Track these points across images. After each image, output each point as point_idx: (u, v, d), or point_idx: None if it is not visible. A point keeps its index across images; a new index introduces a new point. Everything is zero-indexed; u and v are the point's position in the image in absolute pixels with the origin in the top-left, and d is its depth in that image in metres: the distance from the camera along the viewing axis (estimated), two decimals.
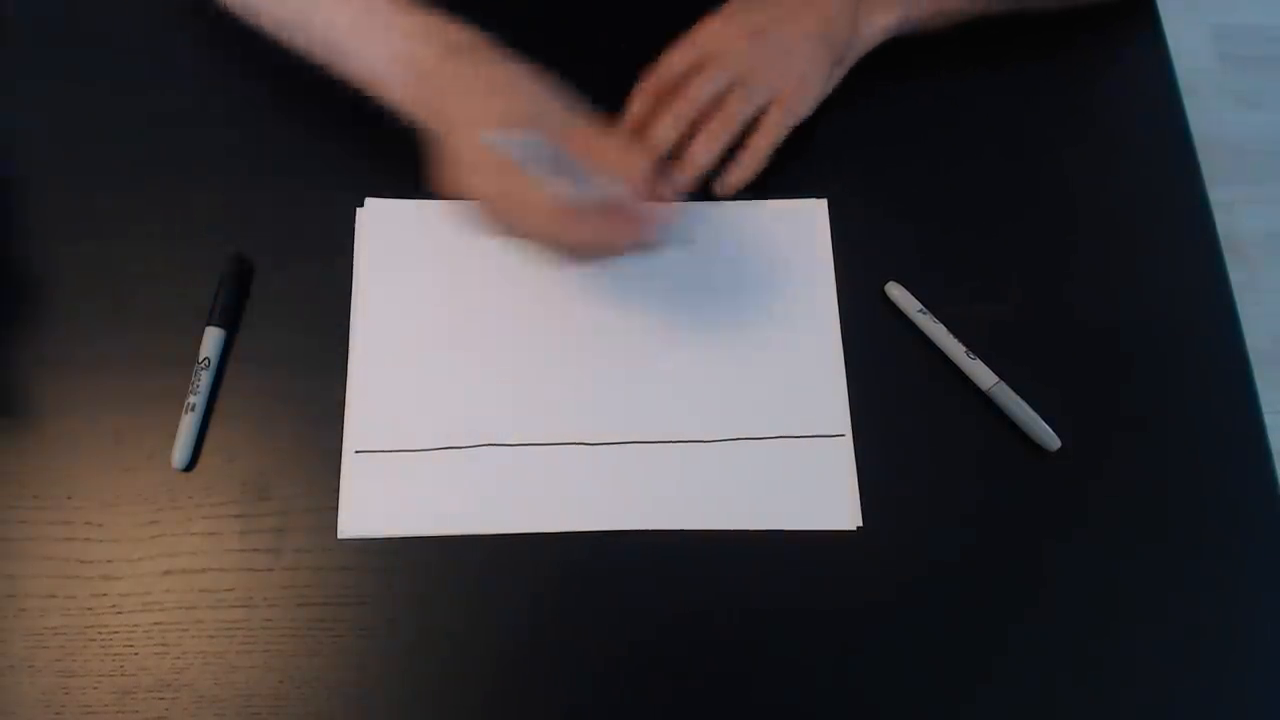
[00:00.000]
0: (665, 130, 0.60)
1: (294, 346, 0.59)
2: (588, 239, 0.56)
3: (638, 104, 0.61)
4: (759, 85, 0.60)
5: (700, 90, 0.60)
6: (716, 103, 0.60)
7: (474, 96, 0.55)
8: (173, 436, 0.56)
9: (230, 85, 0.65)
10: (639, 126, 0.61)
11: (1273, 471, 0.58)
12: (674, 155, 0.60)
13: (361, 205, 0.62)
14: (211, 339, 0.58)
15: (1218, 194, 0.65)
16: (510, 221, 0.56)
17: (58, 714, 0.51)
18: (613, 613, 0.54)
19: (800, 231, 0.63)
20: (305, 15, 0.59)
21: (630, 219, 0.56)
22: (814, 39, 0.61)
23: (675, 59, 0.61)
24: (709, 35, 0.61)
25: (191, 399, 0.56)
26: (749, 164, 0.61)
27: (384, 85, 0.58)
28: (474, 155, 0.54)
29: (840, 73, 0.63)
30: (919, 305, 0.60)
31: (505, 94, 0.55)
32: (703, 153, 0.60)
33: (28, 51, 0.66)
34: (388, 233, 0.62)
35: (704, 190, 0.62)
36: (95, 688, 0.52)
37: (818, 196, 0.64)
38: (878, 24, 0.62)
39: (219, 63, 0.65)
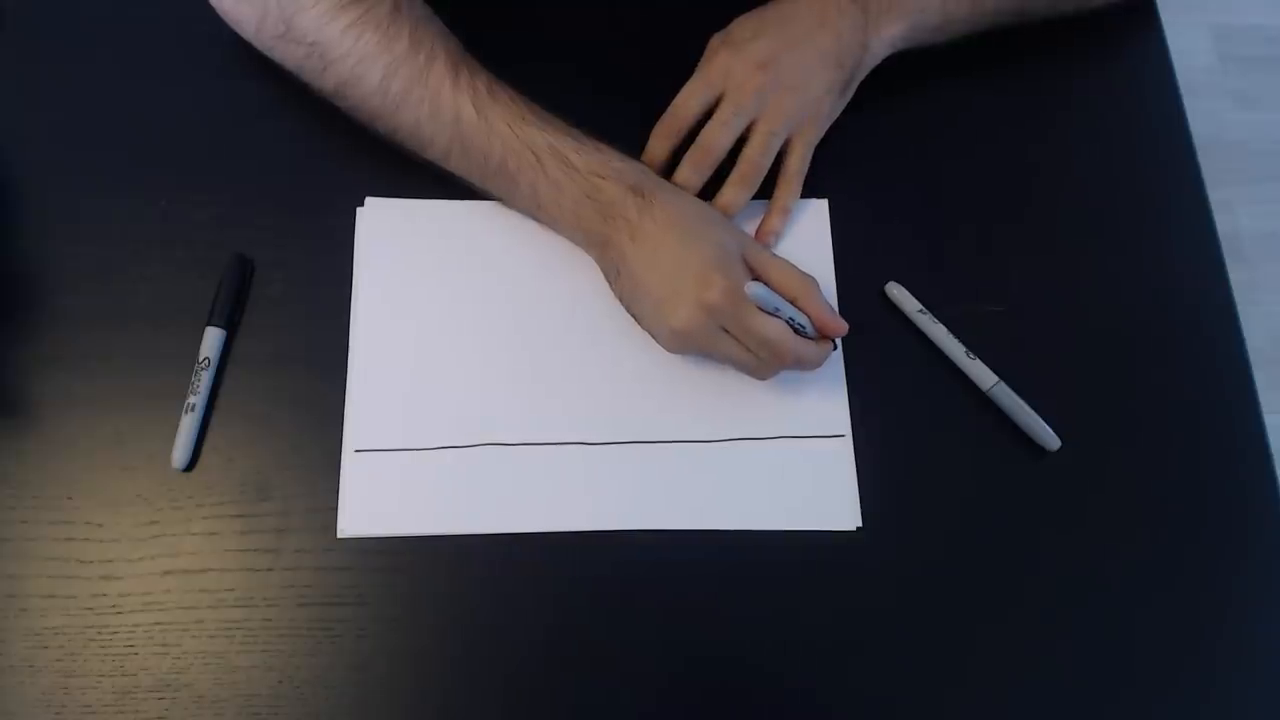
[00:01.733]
0: (689, 178, 0.61)
1: (294, 346, 0.59)
2: (793, 366, 0.57)
3: (655, 145, 0.62)
4: (778, 123, 0.60)
5: (719, 140, 0.60)
6: (738, 140, 0.61)
7: (677, 241, 0.55)
8: (173, 436, 0.56)
9: (230, 85, 0.64)
10: (657, 165, 0.62)
11: (1273, 471, 0.58)
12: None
13: (361, 205, 0.62)
14: (211, 339, 0.58)
15: (1218, 194, 0.64)
16: (753, 363, 0.56)
17: (58, 714, 0.51)
18: (613, 612, 0.54)
19: (801, 231, 0.63)
20: (481, 152, 0.57)
21: (825, 340, 0.57)
22: (827, 60, 0.61)
23: (689, 98, 0.61)
24: (720, 71, 0.60)
25: (191, 399, 0.56)
26: (788, 209, 0.62)
27: (558, 220, 0.59)
28: (700, 306, 0.54)
29: (850, 92, 0.63)
30: (919, 305, 0.60)
31: (708, 237, 0.56)
32: (735, 202, 0.61)
33: (28, 51, 0.66)
34: (388, 233, 0.62)
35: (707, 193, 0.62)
36: (95, 687, 0.52)
37: (818, 196, 0.64)
38: (885, 37, 0.62)
39: (220, 63, 0.64)
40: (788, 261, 0.57)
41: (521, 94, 0.58)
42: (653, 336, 0.58)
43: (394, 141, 0.60)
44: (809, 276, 0.57)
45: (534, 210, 0.59)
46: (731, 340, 0.55)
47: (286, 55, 0.60)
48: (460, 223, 0.62)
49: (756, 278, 0.56)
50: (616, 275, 0.58)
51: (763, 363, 0.56)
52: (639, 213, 0.56)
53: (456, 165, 0.59)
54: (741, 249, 0.56)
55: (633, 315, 0.58)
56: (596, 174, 0.56)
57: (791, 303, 0.56)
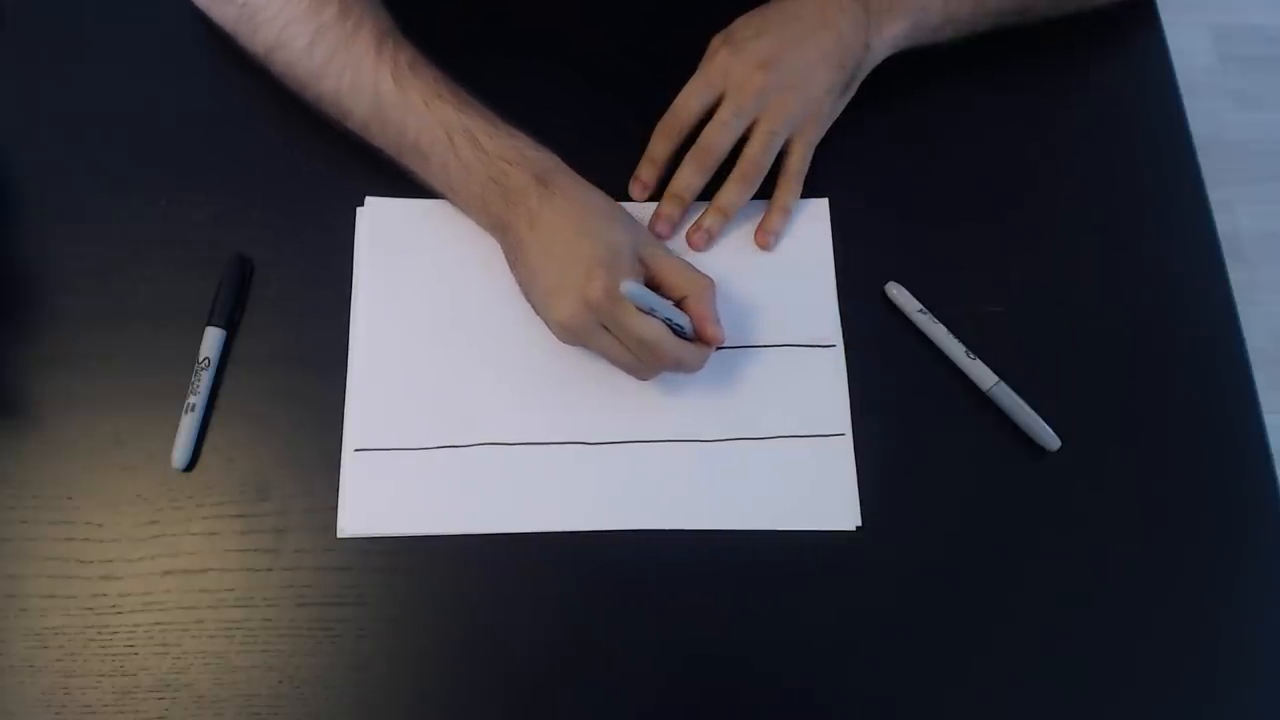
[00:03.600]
0: (690, 180, 0.61)
1: (294, 346, 0.59)
2: (673, 368, 0.56)
3: (656, 145, 0.62)
4: (779, 123, 0.60)
5: (720, 140, 0.60)
6: (739, 141, 0.61)
7: (572, 233, 0.55)
8: (173, 436, 0.56)
9: (231, 85, 0.64)
10: (658, 165, 0.62)
11: (1273, 471, 0.58)
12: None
13: (361, 205, 0.62)
14: (211, 339, 0.58)
15: (1218, 194, 0.65)
16: (623, 359, 0.56)
17: (58, 714, 0.51)
18: (613, 612, 0.54)
19: (801, 231, 0.63)
20: (397, 126, 0.58)
21: (703, 347, 0.56)
22: (829, 60, 0.61)
23: (690, 98, 0.61)
24: (721, 70, 0.60)
25: (191, 399, 0.56)
26: (788, 209, 0.62)
27: (465, 202, 0.59)
28: (582, 301, 0.53)
29: (851, 92, 0.63)
30: (919, 305, 0.60)
31: (601, 232, 0.55)
32: (735, 202, 0.61)
33: (28, 51, 0.66)
34: (388, 232, 0.62)
35: (706, 192, 0.62)
36: (95, 687, 0.52)
37: (819, 196, 0.64)
38: (887, 37, 0.62)
39: (219, 62, 0.64)
40: (685, 262, 0.57)
41: (445, 74, 0.58)
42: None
43: (320, 111, 0.60)
44: (706, 278, 0.56)
45: (446, 190, 0.59)
46: (612, 338, 0.54)
47: (221, 16, 0.61)
48: (460, 222, 0.62)
49: (651, 276, 0.55)
50: (515, 261, 0.57)
51: (641, 363, 0.55)
52: (540, 201, 0.55)
53: (376, 138, 0.59)
54: (637, 247, 0.56)
55: (529, 303, 0.58)
56: (505, 159, 0.56)
57: (681, 302, 0.55)
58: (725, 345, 0.59)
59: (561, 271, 0.54)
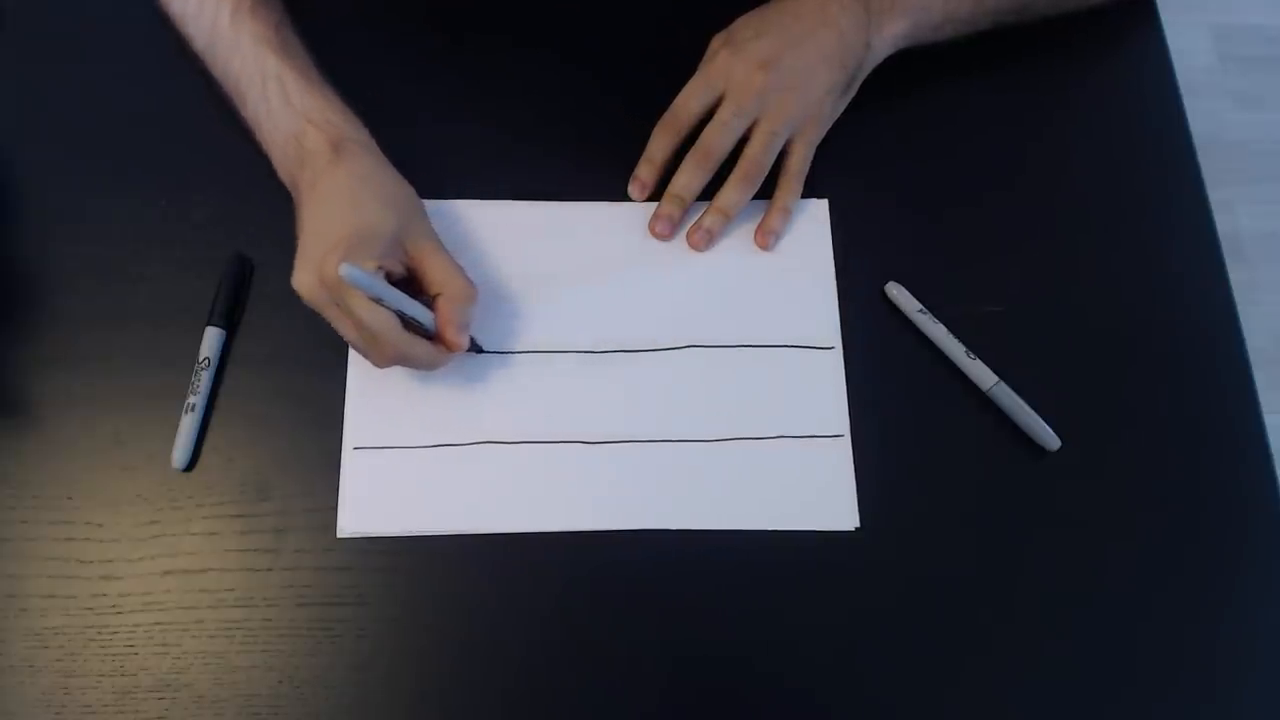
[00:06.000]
0: (690, 181, 0.61)
1: (294, 346, 0.59)
2: (400, 361, 0.55)
3: (656, 144, 0.62)
4: (780, 123, 0.60)
5: (721, 141, 0.60)
6: (739, 141, 0.61)
7: (337, 206, 0.54)
8: (173, 436, 0.56)
9: None
10: (657, 165, 0.62)
11: (1273, 471, 0.58)
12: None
13: None
14: (211, 339, 0.58)
15: (1218, 194, 0.65)
16: (344, 333, 0.55)
17: (58, 714, 0.51)
18: (613, 612, 0.54)
19: (801, 231, 0.63)
20: (223, 62, 0.58)
21: (440, 348, 0.55)
22: (830, 61, 0.61)
23: (690, 98, 0.61)
24: (722, 71, 0.60)
25: (191, 399, 0.56)
26: (788, 209, 0.62)
27: (270, 152, 0.58)
28: (318, 274, 0.53)
29: (852, 92, 0.63)
30: (919, 305, 0.60)
31: (364, 211, 0.54)
32: (736, 203, 0.61)
33: (28, 51, 0.66)
34: None
35: (707, 192, 0.62)
36: (95, 687, 0.52)
37: (818, 196, 0.64)
38: (888, 36, 0.62)
39: None
40: (453, 264, 0.56)
41: (287, 23, 0.59)
42: None
43: (172, 30, 0.61)
44: (466, 284, 0.55)
45: (258, 136, 0.59)
46: (343, 318, 0.53)
47: None
48: (459, 222, 0.62)
49: (414, 268, 0.55)
50: (296, 221, 0.57)
51: (369, 348, 0.54)
52: (327, 167, 0.55)
53: (211, 70, 0.60)
54: (404, 235, 0.55)
55: None
56: (308, 118, 0.56)
57: (434, 301, 0.55)
58: (725, 345, 0.60)
59: (313, 241, 0.54)
